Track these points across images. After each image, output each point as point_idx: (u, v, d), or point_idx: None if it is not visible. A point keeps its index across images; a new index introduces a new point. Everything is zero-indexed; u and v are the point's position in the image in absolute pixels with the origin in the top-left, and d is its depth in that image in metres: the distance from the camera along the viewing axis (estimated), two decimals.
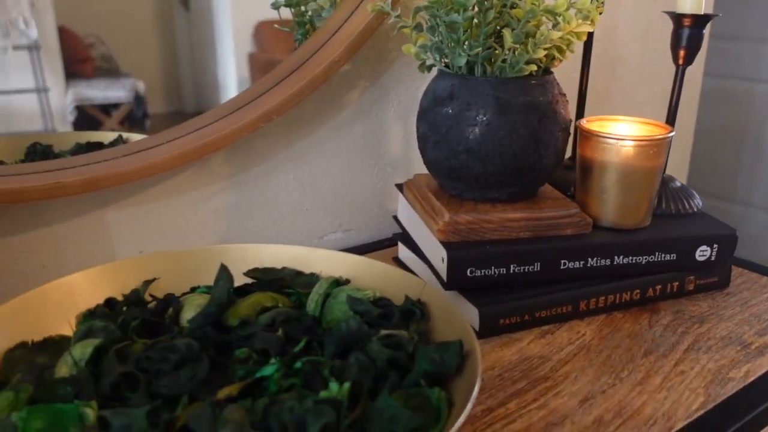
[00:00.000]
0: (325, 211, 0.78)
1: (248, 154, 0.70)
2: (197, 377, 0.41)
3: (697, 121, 1.25)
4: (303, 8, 0.80)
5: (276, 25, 0.82)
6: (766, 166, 1.33)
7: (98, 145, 0.66)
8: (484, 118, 0.60)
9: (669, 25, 0.70)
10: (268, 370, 0.42)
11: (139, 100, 0.73)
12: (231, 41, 0.93)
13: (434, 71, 0.67)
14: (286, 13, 0.78)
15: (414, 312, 0.47)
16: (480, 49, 0.60)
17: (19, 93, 0.64)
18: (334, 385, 0.39)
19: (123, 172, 0.57)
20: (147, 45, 0.80)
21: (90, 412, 0.38)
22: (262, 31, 0.91)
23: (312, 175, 0.76)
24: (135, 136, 0.69)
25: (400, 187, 0.75)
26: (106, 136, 0.70)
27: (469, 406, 0.36)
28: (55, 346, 0.45)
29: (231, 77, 0.83)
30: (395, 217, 0.77)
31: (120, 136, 0.70)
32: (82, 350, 0.42)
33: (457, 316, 0.45)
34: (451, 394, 0.40)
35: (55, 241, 0.61)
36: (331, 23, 0.71)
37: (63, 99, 0.67)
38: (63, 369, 0.42)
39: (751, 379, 0.55)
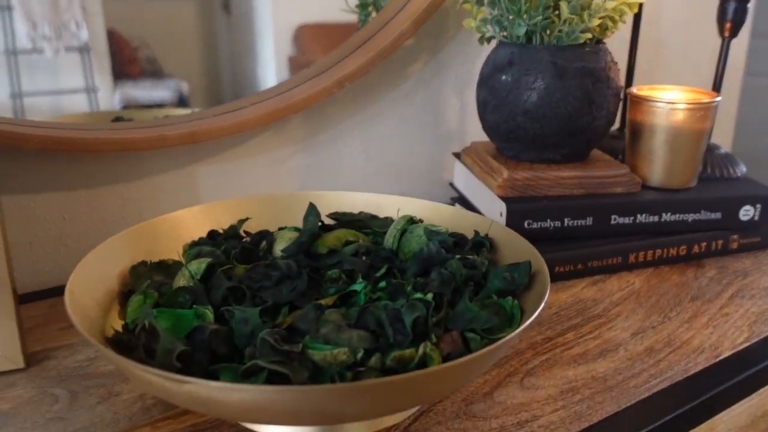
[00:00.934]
0: (387, 177, 0.84)
1: (320, 120, 0.77)
2: (297, 289, 0.47)
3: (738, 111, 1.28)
4: None
5: (342, 9, 0.88)
6: None
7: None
8: (542, 83, 0.66)
9: (712, 8, 0.74)
10: (357, 286, 0.48)
11: (182, 100, 0.78)
12: (271, 44, 0.96)
13: (492, 44, 0.72)
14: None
15: (484, 243, 0.52)
16: (539, 18, 0.65)
17: (70, 93, 0.69)
18: (419, 295, 0.45)
19: (218, 127, 0.63)
20: (189, 48, 0.84)
21: (209, 313, 0.44)
22: (302, 34, 0.94)
23: (375, 143, 0.82)
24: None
25: (456, 155, 0.81)
26: (184, 112, 0.76)
27: (541, 306, 0.41)
28: (168, 267, 0.52)
29: (270, 79, 0.86)
30: (451, 184, 0.83)
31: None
32: (197, 266, 0.48)
33: (524, 243, 0.50)
34: (521, 306, 0.45)
35: (152, 190, 0.68)
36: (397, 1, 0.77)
37: (111, 99, 0.71)
38: (181, 281, 0.48)
39: None
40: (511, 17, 0.67)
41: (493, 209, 0.69)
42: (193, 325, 0.43)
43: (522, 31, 0.67)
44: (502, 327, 0.43)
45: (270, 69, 0.97)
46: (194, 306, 0.45)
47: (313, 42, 0.96)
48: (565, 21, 0.66)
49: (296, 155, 0.76)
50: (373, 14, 0.84)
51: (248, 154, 0.73)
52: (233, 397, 0.34)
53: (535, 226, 0.66)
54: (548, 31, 0.67)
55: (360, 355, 0.39)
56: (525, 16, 0.66)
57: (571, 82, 0.65)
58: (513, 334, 0.38)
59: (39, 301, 0.60)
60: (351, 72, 0.71)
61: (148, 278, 0.49)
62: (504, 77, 0.68)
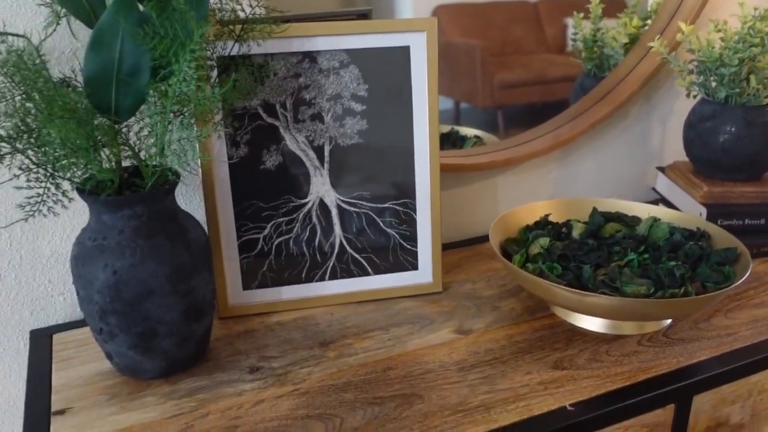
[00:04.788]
0: (608, 185, 1.22)
1: (568, 146, 1.15)
2: (601, 256, 0.86)
3: None
4: (595, 49, 1.23)
5: (571, 58, 1.25)
6: None
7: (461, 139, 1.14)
8: (735, 131, 1.01)
9: None
10: (632, 256, 0.86)
11: None
12: None
13: (693, 98, 1.07)
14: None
15: (705, 234, 0.89)
16: (737, 90, 1.00)
17: None
18: (673, 263, 0.83)
19: (528, 153, 1.04)
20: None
21: (558, 267, 0.85)
22: (440, 14, 1.08)
23: (605, 161, 1.20)
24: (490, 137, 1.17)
25: (660, 169, 1.17)
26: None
27: (747, 274, 0.78)
28: (516, 242, 0.92)
29: None
30: (654, 189, 1.19)
31: (478, 137, 1.17)
32: (542, 241, 0.89)
33: (728, 235, 0.87)
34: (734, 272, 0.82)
35: (466, 197, 1.09)
36: (627, 63, 1.14)
37: None
38: (534, 249, 0.88)
39: None
40: (714, 84, 1.03)
41: (694, 210, 1.05)
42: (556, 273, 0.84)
43: (723, 95, 1.02)
44: (722, 283, 0.80)
45: None
46: (547, 263, 0.86)
47: (450, 22, 1.13)
48: (753, 89, 1.00)
49: (553, 171, 1.16)
50: (600, 48, 1.21)
51: (526, 170, 1.13)
52: (610, 304, 0.74)
53: (725, 223, 1.02)
54: (740, 95, 1.02)
55: (651, 289, 0.78)
56: (727, 86, 1.01)
57: (756, 131, 1.00)
58: (731, 287, 0.75)
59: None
60: (599, 118, 1.09)
61: (516, 242, 0.90)
62: (708, 124, 1.03)
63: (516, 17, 1.24)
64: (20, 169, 0.64)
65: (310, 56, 0.81)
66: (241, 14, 0.74)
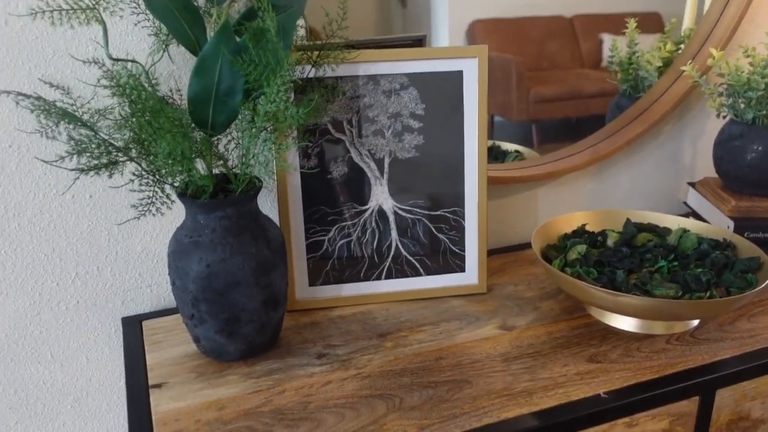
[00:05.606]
0: (642, 198, 1.30)
1: (603, 162, 1.24)
2: (634, 263, 0.94)
3: None
4: (630, 71, 1.31)
5: (607, 79, 1.33)
6: None
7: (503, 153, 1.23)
8: (762, 149, 1.08)
9: None
10: (662, 263, 0.95)
11: None
12: (446, 38, 1.06)
13: (722, 119, 1.15)
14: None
15: (730, 244, 0.97)
16: (764, 111, 1.08)
17: None
18: (699, 270, 0.91)
19: (567, 167, 1.13)
20: (365, 36, 0.89)
21: (594, 271, 0.93)
22: (475, 28, 1.11)
23: (638, 176, 1.28)
24: (529, 152, 1.25)
25: (691, 184, 1.25)
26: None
27: (766, 282, 0.86)
28: (555, 248, 1.01)
29: None
30: (685, 203, 1.27)
31: (518, 152, 1.26)
32: (579, 248, 0.97)
33: (752, 246, 0.94)
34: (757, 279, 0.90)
35: (509, 207, 1.19)
36: (661, 85, 1.22)
37: None
38: (572, 255, 0.97)
39: None
40: (742, 106, 1.11)
41: (722, 223, 1.13)
42: (592, 276, 0.92)
43: (750, 116, 1.10)
44: (746, 288, 0.88)
45: None
46: (584, 268, 0.94)
47: (485, 37, 1.15)
48: None
49: (588, 184, 1.24)
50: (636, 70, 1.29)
51: (563, 183, 1.22)
52: (640, 304, 0.82)
53: (751, 235, 1.09)
54: (767, 117, 1.09)
55: (679, 293, 0.86)
56: (754, 108, 1.09)
57: None
58: (753, 291, 0.83)
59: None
60: (634, 136, 1.18)
61: (554, 248, 0.99)
62: (737, 143, 1.11)
63: (552, 32, 1.30)
64: (134, 174, 0.75)
65: (374, 79, 0.91)
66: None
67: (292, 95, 0.86)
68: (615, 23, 1.29)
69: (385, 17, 1.00)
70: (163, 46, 0.81)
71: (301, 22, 0.82)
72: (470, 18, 1.08)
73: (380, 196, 0.96)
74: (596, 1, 1.32)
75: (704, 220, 1.18)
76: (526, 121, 1.33)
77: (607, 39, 1.33)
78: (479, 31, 1.12)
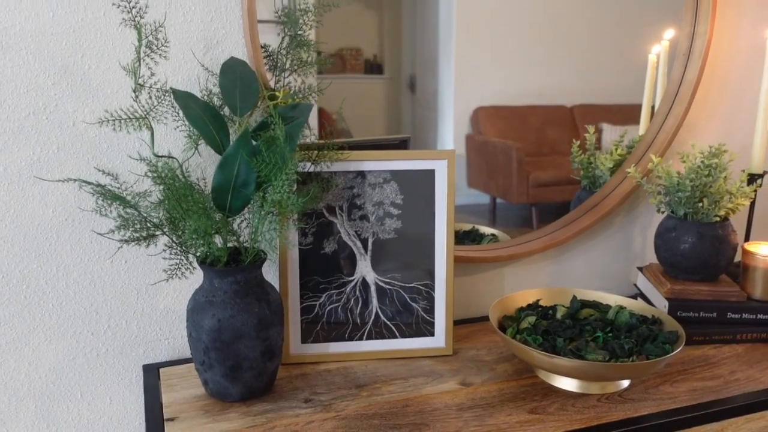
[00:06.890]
0: (597, 279, 1.49)
1: (562, 247, 1.44)
2: (575, 332, 1.13)
3: None
4: (589, 170, 1.53)
5: (572, 175, 1.54)
6: None
7: (480, 236, 1.43)
8: (692, 240, 1.28)
9: None
10: (599, 334, 1.13)
11: None
12: (451, 122, 1.13)
13: (663, 214, 1.35)
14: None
15: (657, 320, 1.15)
16: (692, 210, 1.28)
17: None
18: (627, 340, 1.09)
19: (528, 251, 1.32)
20: (377, 121, 0.98)
21: (540, 338, 1.11)
22: (479, 115, 1.19)
23: (593, 260, 1.47)
24: (503, 235, 1.45)
25: (640, 269, 1.44)
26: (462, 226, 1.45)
27: (678, 350, 1.03)
28: (511, 319, 1.20)
29: None
30: (635, 284, 1.45)
31: (494, 235, 1.46)
32: (530, 319, 1.16)
33: (674, 323, 1.13)
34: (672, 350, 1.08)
35: (478, 283, 1.38)
36: (611, 183, 1.43)
37: None
38: (524, 325, 1.15)
39: None
40: (676, 204, 1.31)
41: (660, 303, 1.31)
42: (537, 342, 1.11)
43: (682, 212, 1.30)
44: (663, 355, 1.06)
45: (449, 145, 1.16)
46: (532, 335, 1.12)
47: (488, 123, 1.25)
48: (705, 209, 1.28)
49: (547, 266, 1.44)
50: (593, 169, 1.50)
51: (524, 264, 1.41)
52: (572, 365, 1.00)
53: (684, 314, 1.27)
54: (696, 214, 1.30)
55: (607, 358, 1.04)
56: (684, 206, 1.29)
57: (707, 242, 1.27)
58: (666, 357, 1.01)
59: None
60: (586, 225, 1.38)
61: (507, 319, 1.18)
62: (672, 234, 1.31)
63: (552, 120, 1.40)
64: (165, 245, 0.96)
65: (363, 174, 1.13)
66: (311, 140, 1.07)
67: (295, 186, 1.07)
68: (613, 113, 1.43)
69: (395, 103, 1.12)
70: (195, 145, 1.03)
71: (306, 132, 1.05)
72: (474, 105, 1.17)
73: (364, 269, 1.15)
74: (596, 93, 1.44)
75: (648, 300, 1.37)
76: (525, 203, 1.43)
77: (607, 128, 1.46)
78: (483, 117, 1.20)
